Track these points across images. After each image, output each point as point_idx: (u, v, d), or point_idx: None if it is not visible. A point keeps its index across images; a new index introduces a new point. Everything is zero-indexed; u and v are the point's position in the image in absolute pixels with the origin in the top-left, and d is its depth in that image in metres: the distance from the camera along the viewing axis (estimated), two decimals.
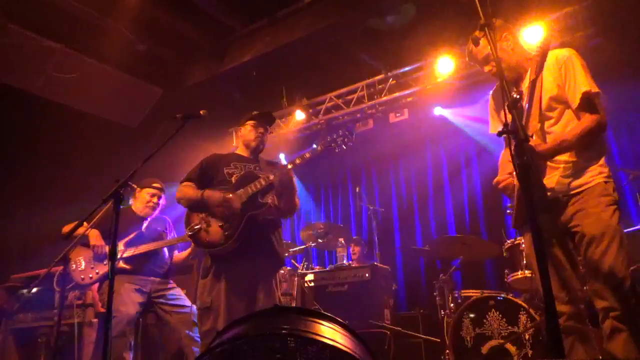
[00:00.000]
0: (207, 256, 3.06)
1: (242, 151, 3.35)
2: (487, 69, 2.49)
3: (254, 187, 2.98)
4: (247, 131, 3.31)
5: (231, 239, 2.91)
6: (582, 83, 2.23)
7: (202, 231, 2.97)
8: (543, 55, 2.17)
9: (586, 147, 2.26)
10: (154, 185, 4.07)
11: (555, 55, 2.31)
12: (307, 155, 2.99)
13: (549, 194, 2.29)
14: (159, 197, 4.08)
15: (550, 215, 2.28)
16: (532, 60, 2.32)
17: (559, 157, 2.29)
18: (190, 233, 3.00)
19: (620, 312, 2.09)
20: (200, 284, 3.03)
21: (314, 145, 3.03)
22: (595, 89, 2.23)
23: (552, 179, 2.30)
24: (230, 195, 2.98)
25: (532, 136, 2.19)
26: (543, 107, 2.28)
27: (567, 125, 2.29)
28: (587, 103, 2.22)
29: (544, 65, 2.30)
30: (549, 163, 2.31)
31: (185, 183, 3.16)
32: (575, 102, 2.23)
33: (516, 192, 2.29)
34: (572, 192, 2.27)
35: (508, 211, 2.46)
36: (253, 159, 3.30)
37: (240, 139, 3.37)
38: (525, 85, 2.39)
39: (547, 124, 2.33)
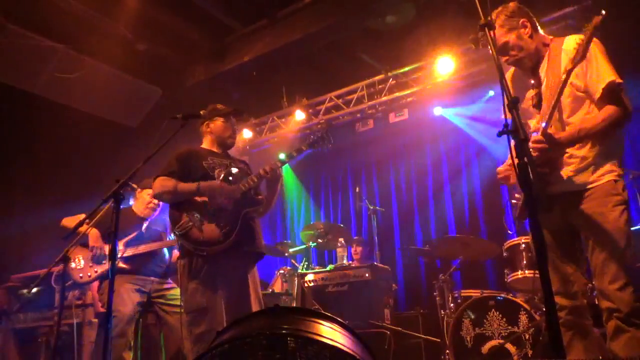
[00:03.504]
0: (195, 256, 2.87)
1: (210, 146, 3.20)
2: (504, 58, 2.39)
3: (247, 184, 2.95)
4: (220, 127, 3.18)
5: (230, 236, 2.84)
6: (605, 73, 2.15)
7: (194, 229, 2.83)
8: (588, 40, 2.06)
9: (602, 144, 2.21)
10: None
11: (575, 41, 2.18)
12: (294, 154, 3.04)
13: (560, 188, 2.26)
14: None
15: (558, 211, 2.26)
16: (553, 44, 2.28)
17: (574, 152, 2.24)
18: (181, 232, 2.83)
19: (624, 313, 2.08)
20: (189, 285, 2.84)
21: (303, 147, 3.08)
22: (618, 79, 2.15)
23: (564, 173, 2.26)
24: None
25: (550, 125, 2.14)
26: (562, 95, 2.19)
27: (586, 116, 2.23)
28: (610, 94, 2.15)
29: (562, 50, 2.24)
30: (564, 158, 2.26)
31: (164, 177, 2.94)
32: (597, 92, 2.16)
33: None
34: (582, 189, 2.23)
35: (513, 201, 2.42)
36: (226, 155, 3.22)
37: (209, 135, 3.20)
38: (543, 70, 2.33)
39: (565, 112, 2.26)
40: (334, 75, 6.57)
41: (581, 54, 2.05)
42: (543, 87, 2.30)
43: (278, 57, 6.04)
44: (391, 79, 6.21)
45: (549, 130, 2.12)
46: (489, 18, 1.84)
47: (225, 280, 2.89)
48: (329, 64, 6.44)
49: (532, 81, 2.38)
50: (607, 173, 2.21)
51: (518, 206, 2.33)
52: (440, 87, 5.97)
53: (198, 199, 2.91)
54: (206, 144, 3.22)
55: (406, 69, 6.10)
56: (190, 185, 2.90)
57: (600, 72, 2.16)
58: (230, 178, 2.98)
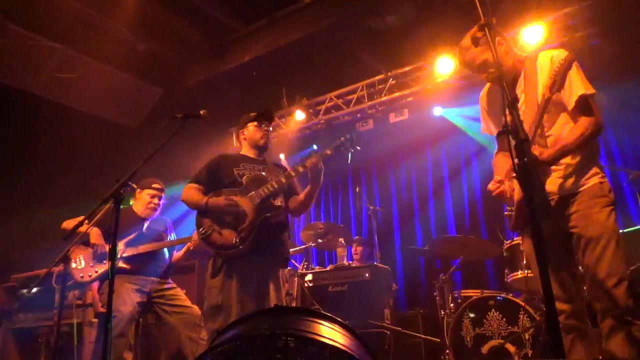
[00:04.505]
0: (216, 257, 3.04)
1: (248, 152, 3.35)
2: (483, 75, 2.48)
3: (266, 189, 3.00)
4: (252, 132, 3.32)
5: (245, 241, 2.92)
6: (578, 86, 2.23)
7: (215, 233, 2.97)
8: (565, 71, 2.14)
9: (583, 151, 2.27)
10: (154, 186, 4.07)
11: (550, 56, 2.29)
12: (329, 152, 3.03)
13: (547, 195, 2.30)
14: (160, 198, 4.08)
15: (549, 217, 2.29)
16: (527, 63, 2.34)
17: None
18: (202, 236, 2.98)
19: (617, 313, 2.11)
20: (209, 283, 3.01)
21: (327, 151, 3.02)
22: (590, 90, 2.23)
23: (549, 181, 2.32)
24: (238, 198, 3.01)
25: (534, 144, 2.21)
26: (539, 109, 2.29)
27: (563, 128, 2.30)
28: (584, 106, 2.23)
29: (537, 66, 2.32)
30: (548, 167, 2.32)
31: (191, 185, 3.14)
32: (571, 104, 2.24)
33: (515, 194, 2.30)
34: (569, 194, 2.28)
35: (506, 213, 2.47)
36: (261, 160, 3.32)
37: (245, 141, 3.36)
38: (520, 88, 2.39)
39: (545, 127, 2.33)
40: (334, 75, 6.56)
41: (559, 84, 2.14)
42: (520, 104, 2.33)
43: (278, 57, 6.03)
44: (391, 79, 6.21)
45: (534, 151, 2.18)
46: (488, 19, 1.86)
47: (241, 283, 2.94)
48: (329, 64, 6.43)
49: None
50: (592, 176, 2.27)
51: (512, 218, 2.35)
52: (440, 87, 5.96)
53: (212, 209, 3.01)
54: (244, 150, 3.38)
55: (406, 69, 6.10)
56: (200, 199, 3.03)
57: (573, 85, 2.23)
58: (255, 184, 3.05)
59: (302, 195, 3.20)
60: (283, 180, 3.03)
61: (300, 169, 3.02)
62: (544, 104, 2.17)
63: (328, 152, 3.03)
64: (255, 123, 3.32)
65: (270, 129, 3.42)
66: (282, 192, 3.13)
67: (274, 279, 3.08)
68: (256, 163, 3.26)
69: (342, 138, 3.05)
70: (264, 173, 3.17)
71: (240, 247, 2.92)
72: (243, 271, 2.96)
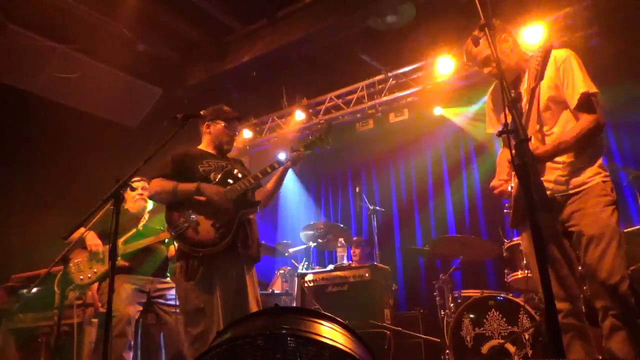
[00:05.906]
0: (191, 258, 2.86)
1: (208, 148, 3.16)
2: (486, 70, 2.48)
3: (243, 184, 2.93)
4: (220, 131, 3.13)
5: (226, 237, 2.83)
6: (580, 84, 2.23)
7: (190, 230, 2.83)
8: (544, 62, 2.16)
9: (584, 148, 2.26)
10: (133, 179, 4.07)
11: (553, 55, 2.29)
12: (302, 149, 3.05)
13: (548, 192, 2.30)
14: (143, 187, 4.08)
15: (549, 214, 2.28)
16: (531, 62, 2.33)
17: (557, 159, 2.29)
18: (176, 233, 2.83)
19: (619, 312, 2.10)
20: (185, 286, 2.84)
21: (310, 138, 3.09)
22: (593, 89, 2.23)
23: (550, 178, 2.31)
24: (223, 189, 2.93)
25: (531, 138, 2.21)
26: (541, 108, 2.30)
27: (565, 126, 2.30)
28: (585, 104, 2.23)
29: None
30: (548, 163, 2.32)
31: (159, 179, 2.94)
32: (573, 102, 2.24)
33: (513, 192, 2.30)
34: (571, 192, 2.28)
35: (505, 210, 2.48)
36: (223, 158, 3.19)
37: (208, 136, 3.16)
38: (524, 86, 2.39)
39: (545, 125, 2.34)
40: (334, 75, 6.57)
41: (540, 74, 2.15)
42: (523, 102, 2.33)
43: (278, 57, 6.04)
44: (391, 79, 6.21)
45: (530, 144, 2.16)
46: (488, 19, 1.86)
47: (222, 282, 2.87)
48: (329, 64, 6.44)
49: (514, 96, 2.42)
50: (595, 175, 2.27)
51: (510, 215, 2.35)
52: (440, 87, 5.97)
53: (197, 198, 2.88)
54: (204, 144, 3.19)
55: (406, 69, 6.10)
56: (190, 186, 2.89)
57: (576, 83, 2.25)
58: (230, 180, 2.97)
59: (269, 184, 3.13)
60: (260, 175, 2.96)
61: (276, 165, 2.99)
62: (530, 94, 2.18)
63: (301, 149, 3.04)
64: (225, 124, 3.14)
65: (237, 133, 3.31)
66: (256, 188, 3.11)
67: (250, 275, 2.99)
68: (219, 159, 3.12)
69: (311, 137, 3.11)
70: (238, 169, 3.10)
71: (221, 244, 2.81)
72: (221, 271, 2.86)
